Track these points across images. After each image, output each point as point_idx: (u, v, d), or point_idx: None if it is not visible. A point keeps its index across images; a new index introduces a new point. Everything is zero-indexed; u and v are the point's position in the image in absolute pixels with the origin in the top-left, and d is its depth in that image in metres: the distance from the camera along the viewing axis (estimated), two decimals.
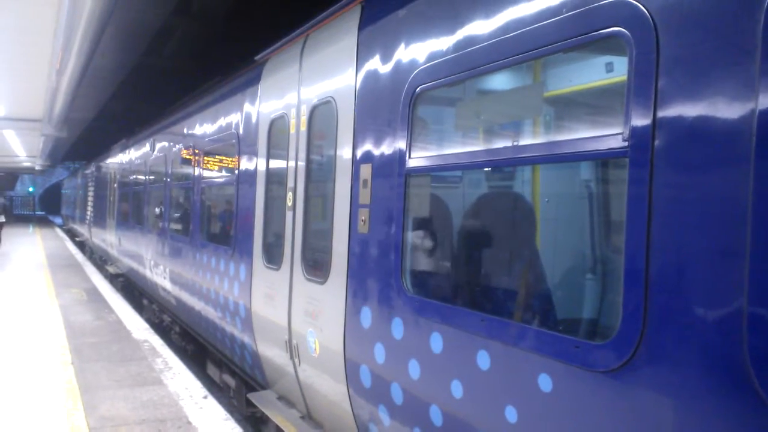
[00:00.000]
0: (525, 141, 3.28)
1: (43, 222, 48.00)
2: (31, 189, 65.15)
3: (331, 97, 4.37)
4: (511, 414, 2.65)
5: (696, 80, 2.00)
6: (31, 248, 22.79)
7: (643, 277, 2.11)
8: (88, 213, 22.11)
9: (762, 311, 1.79)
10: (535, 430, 2.55)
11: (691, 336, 1.98)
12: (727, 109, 1.91)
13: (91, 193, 21.82)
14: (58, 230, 36.30)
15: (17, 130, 19.17)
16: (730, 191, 1.89)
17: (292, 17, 6.27)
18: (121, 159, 14.88)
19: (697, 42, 2.01)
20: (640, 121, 2.14)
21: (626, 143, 2.19)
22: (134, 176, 12.71)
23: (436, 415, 3.14)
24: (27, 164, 37.49)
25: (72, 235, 32.18)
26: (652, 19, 2.12)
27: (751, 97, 1.84)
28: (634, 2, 2.19)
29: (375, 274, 3.69)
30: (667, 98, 2.07)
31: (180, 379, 6.61)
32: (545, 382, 2.48)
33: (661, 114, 2.09)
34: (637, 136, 2.15)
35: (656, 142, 2.09)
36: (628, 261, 2.17)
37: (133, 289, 13.37)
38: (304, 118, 4.80)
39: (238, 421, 6.11)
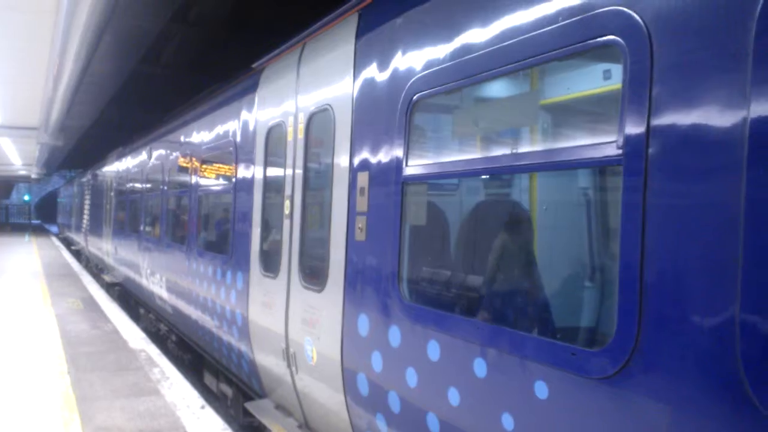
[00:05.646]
0: (521, 149, 3.30)
1: (39, 230, 47.85)
2: (26, 197, 64.98)
3: (328, 104, 4.39)
4: (507, 421, 2.65)
5: (689, 88, 2.01)
6: (27, 257, 22.71)
7: (638, 284, 2.12)
8: (84, 221, 22.06)
9: (754, 318, 1.80)
10: None
11: (685, 342, 1.99)
12: (719, 117, 1.93)
13: (87, 202, 21.77)
14: (54, 239, 36.18)
15: (13, 138, 19.14)
16: (722, 198, 1.90)
17: (290, 25, 6.30)
18: (117, 167, 14.86)
19: (691, 50, 2.02)
20: (634, 129, 2.16)
21: (620, 151, 2.21)
22: (131, 184, 12.70)
23: (433, 423, 3.13)
24: (23, 173, 37.40)
25: (68, 243, 32.07)
26: (647, 27, 2.14)
27: (743, 104, 1.85)
28: (629, 11, 2.21)
29: (372, 282, 3.69)
30: (660, 106, 2.09)
31: (177, 389, 6.58)
32: (541, 390, 2.49)
33: (654, 122, 2.10)
34: (631, 144, 2.17)
35: (650, 150, 2.11)
36: (623, 268, 2.18)
37: (130, 298, 13.32)
38: (301, 126, 4.81)
39: (236, 431, 6.08)
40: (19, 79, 11.06)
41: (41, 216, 66.10)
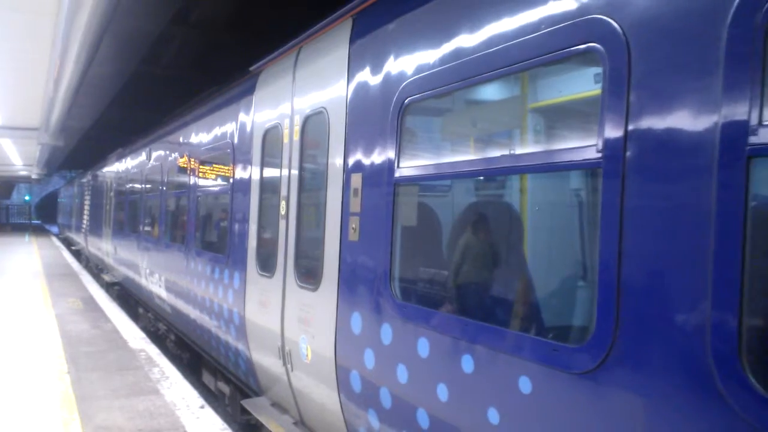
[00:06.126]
0: (507, 152, 3.38)
1: (40, 231, 47.93)
2: (27, 197, 65.07)
3: (323, 107, 4.47)
4: (493, 416, 2.73)
5: (664, 94, 2.09)
6: (28, 257, 22.78)
7: (615, 283, 2.20)
8: (84, 222, 22.14)
9: (723, 315, 1.88)
10: (516, 431, 2.63)
11: (659, 339, 2.07)
12: (693, 122, 2.01)
13: (87, 202, 21.85)
14: (54, 239, 36.25)
15: (14, 138, 19.22)
16: (695, 200, 1.98)
17: (290, 27, 6.37)
18: (117, 168, 14.94)
19: (666, 57, 2.10)
20: (613, 132, 2.24)
21: (600, 154, 2.29)
22: (130, 185, 12.78)
23: (423, 418, 3.21)
24: (23, 173, 37.48)
25: (68, 243, 32.15)
26: (625, 35, 2.22)
27: (715, 110, 1.93)
28: (608, 19, 2.29)
29: (365, 281, 3.77)
30: (637, 111, 2.17)
31: (177, 389, 6.64)
32: (525, 384, 2.57)
33: (632, 126, 2.18)
34: (609, 148, 2.25)
35: (628, 153, 2.19)
36: (602, 267, 2.26)
37: (129, 298, 13.40)
38: (297, 128, 4.89)
39: (235, 431, 6.14)
40: (20, 80, 11.12)
41: (42, 216, 66.13)
